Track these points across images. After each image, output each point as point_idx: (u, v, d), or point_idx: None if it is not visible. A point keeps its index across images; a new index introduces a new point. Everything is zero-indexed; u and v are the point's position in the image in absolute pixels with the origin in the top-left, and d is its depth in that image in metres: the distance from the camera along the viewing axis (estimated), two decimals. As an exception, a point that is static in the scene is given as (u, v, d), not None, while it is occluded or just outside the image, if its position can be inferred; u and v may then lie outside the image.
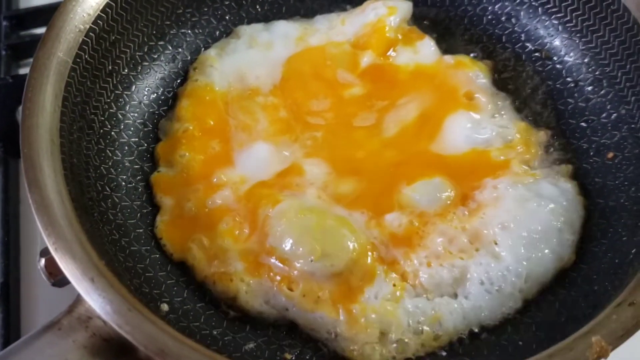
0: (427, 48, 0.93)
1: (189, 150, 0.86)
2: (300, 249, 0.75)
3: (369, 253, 0.76)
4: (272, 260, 0.77)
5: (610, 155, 0.84)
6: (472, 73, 0.90)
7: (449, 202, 0.80)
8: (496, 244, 0.77)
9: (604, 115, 0.86)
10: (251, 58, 0.94)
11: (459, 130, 0.85)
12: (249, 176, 0.84)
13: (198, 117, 0.89)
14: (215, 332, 0.76)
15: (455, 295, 0.76)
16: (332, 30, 0.96)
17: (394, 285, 0.75)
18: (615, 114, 0.85)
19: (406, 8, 0.95)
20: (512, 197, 0.79)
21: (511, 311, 0.76)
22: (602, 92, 0.87)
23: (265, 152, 0.86)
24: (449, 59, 0.92)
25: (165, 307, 0.76)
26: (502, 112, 0.88)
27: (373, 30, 0.93)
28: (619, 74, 0.85)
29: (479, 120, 0.86)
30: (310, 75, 0.93)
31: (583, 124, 0.88)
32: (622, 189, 0.81)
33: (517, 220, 0.78)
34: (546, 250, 0.77)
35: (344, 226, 0.78)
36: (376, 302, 0.74)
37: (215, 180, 0.84)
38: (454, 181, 0.81)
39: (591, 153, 0.86)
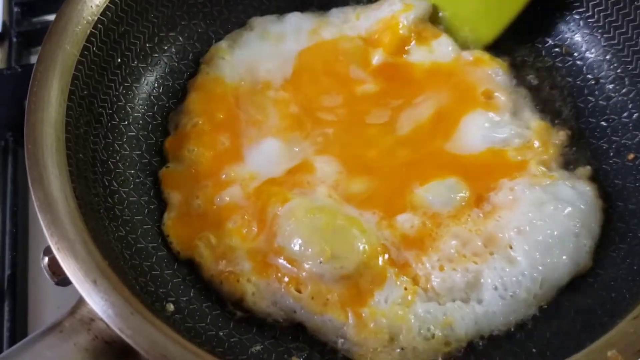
0: (444, 46, 0.91)
1: (197, 145, 0.85)
2: (309, 249, 0.74)
3: (380, 255, 0.75)
4: (281, 261, 0.75)
5: (631, 156, 0.82)
6: (491, 70, 0.88)
7: (463, 203, 0.78)
8: (511, 248, 0.75)
9: (625, 114, 0.84)
10: (263, 51, 0.93)
11: (475, 129, 0.83)
12: (259, 172, 0.82)
13: (207, 111, 0.87)
14: (221, 334, 0.75)
15: (467, 300, 0.74)
16: (345, 24, 0.94)
17: (405, 289, 0.74)
18: (636, 114, 0.83)
19: (423, 7, 0.93)
20: (528, 199, 0.77)
21: (525, 317, 0.74)
22: (624, 90, 0.85)
23: (276, 148, 0.84)
24: (467, 55, 0.90)
25: (171, 306, 0.75)
26: (522, 111, 0.85)
27: (386, 26, 0.91)
28: (642, 72, 0.83)
29: (497, 120, 0.83)
30: (322, 70, 0.91)
31: (603, 123, 0.85)
32: (643, 192, 0.79)
33: (533, 224, 0.75)
34: (563, 256, 0.75)
35: (355, 227, 0.76)
36: (386, 306, 0.73)
37: (224, 176, 0.82)
38: (469, 182, 0.79)
39: (611, 154, 0.84)
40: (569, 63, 0.91)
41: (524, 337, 0.73)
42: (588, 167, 0.82)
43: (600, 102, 0.86)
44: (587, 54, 0.89)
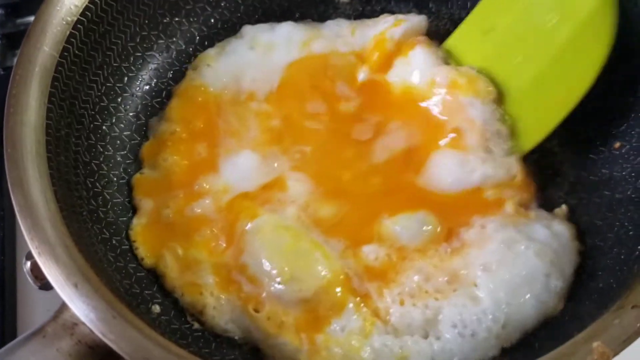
0: (419, 60, 0.85)
1: (173, 153, 0.84)
2: (270, 268, 0.73)
3: (341, 283, 0.73)
4: (243, 278, 0.74)
5: (617, 145, 0.81)
6: (466, 99, 0.81)
7: (431, 238, 0.76)
8: (476, 286, 0.72)
9: (611, 103, 0.83)
10: (251, 60, 0.91)
11: (446, 171, 0.79)
12: (233, 185, 0.81)
13: (187, 119, 0.86)
14: (207, 334, 0.74)
15: (425, 336, 0.71)
16: (339, 38, 0.91)
17: (364, 320, 0.72)
18: (622, 102, 0.82)
19: (416, 21, 0.89)
20: (499, 238, 0.75)
21: (485, 357, 0.71)
22: (609, 79, 0.84)
23: (252, 162, 0.83)
24: (441, 79, 0.83)
25: (157, 308, 0.74)
26: (501, 146, 0.80)
27: (375, 43, 0.88)
28: (628, 59, 0.81)
29: (469, 161, 0.79)
30: (308, 85, 0.88)
31: (589, 112, 0.84)
32: (629, 181, 0.78)
33: (501, 263, 0.73)
34: (528, 296, 0.72)
35: (318, 251, 0.74)
36: (342, 335, 0.71)
37: (196, 187, 0.81)
38: (439, 216, 0.77)
39: (598, 143, 0.83)
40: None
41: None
42: (564, 207, 0.81)
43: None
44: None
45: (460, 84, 0.81)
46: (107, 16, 0.84)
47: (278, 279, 0.72)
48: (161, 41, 0.93)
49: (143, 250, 0.79)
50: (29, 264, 0.68)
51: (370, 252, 0.75)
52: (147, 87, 0.91)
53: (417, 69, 0.84)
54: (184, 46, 0.95)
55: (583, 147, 0.84)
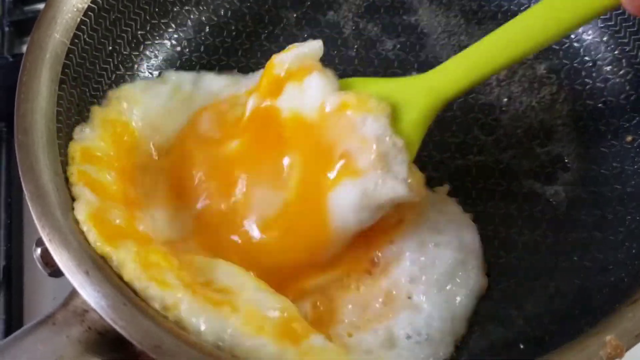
0: (313, 88, 0.75)
1: (109, 174, 0.76)
2: (238, 282, 0.71)
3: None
4: (210, 291, 0.69)
5: (629, 138, 0.81)
6: (358, 117, 0.72)
7: (348, 273, 0.75)
8: (410, 298, 0.73)
9: (622, 96, 0.83)
10: (168, 110, 0.85)
11: (349, 212, 0.72)
12: (153, 236, 0.75)
13: (117, 155, 0.79)
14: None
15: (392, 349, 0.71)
16: (246, 81, 0.87)
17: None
18: (634, 95, 0.82)
19: (310, 47, 0.78)
20: (408, 247, 0.75)
21: (447, 355, 0.72)
22: (622, 72, 0.84)
23: (163, 218, 0.78)
24: (332, 101, 0.73)
25: (166, 296, 0.74)
26: (398, 160, 0.72)
27: (265, 69, 0.79)
28: (639, 54, 0.81)
29: (367, 191, 0.71)
30: (197, 139, 0.82)
31: (601, 106, 0.84)
32: (641, 175, 0.79)
33: (422, 268, 0.74)
34: (458, 287, 0.73)
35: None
36: (324, 344, 0.68)
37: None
38: (351, 252, 0.75)
39: (609, 136, 0.82)
40: (566, 45, 0.89)
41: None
42: (446, 186, 0.81)
43: (598, 84, 0.85)
44: (584, 36, 0.88)
45: (351, 104, 0.73)
46: (118, 4, 0.84)
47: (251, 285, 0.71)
48: (171, 30, 0.93)
49: (94, 235, 0.67)
50: (39, 250, 0.68)
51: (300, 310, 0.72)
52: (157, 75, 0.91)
53: (310, 94, 0.75)
54: (193, 35, 0.95)
55: (594, 141, 0.83)
